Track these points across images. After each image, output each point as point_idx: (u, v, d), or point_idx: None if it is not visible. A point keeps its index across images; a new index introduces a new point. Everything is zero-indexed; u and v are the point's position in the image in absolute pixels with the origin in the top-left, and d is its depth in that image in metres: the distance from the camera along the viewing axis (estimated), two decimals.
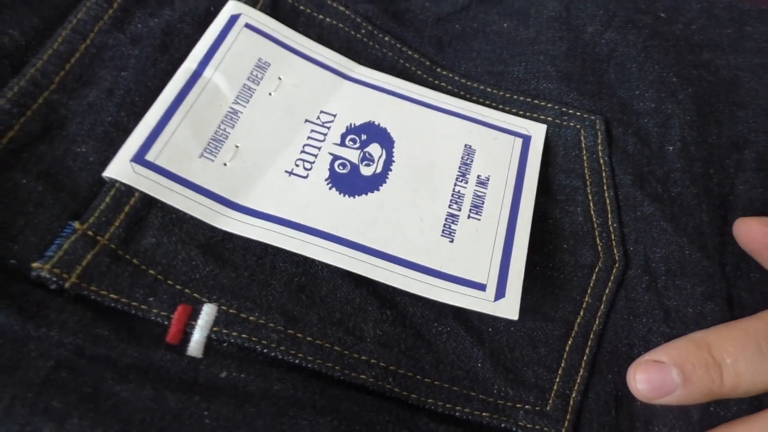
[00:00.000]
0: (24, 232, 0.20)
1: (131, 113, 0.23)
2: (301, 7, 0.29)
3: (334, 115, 0.26)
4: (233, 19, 0.27)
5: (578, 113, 0.29)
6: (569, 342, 0.24)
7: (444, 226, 0.24)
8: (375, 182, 0.25)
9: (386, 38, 0.30)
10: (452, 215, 0.25)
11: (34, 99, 0.22)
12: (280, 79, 0.27)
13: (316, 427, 0.18)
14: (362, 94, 0.28)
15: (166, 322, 0.20)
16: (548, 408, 0.22)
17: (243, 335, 0.20)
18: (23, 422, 0.16)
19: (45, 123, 0.22)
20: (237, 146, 0.24)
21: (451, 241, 0.24)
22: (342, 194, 0.24)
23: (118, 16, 0.25)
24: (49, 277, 0.19)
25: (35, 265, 0.19)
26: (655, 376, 0.22)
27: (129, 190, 0.22)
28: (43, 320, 0.18)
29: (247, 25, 0.27)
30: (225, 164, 0.24)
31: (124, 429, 0.17)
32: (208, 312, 0.20)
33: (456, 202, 0.25)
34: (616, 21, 0.31)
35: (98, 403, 0.17)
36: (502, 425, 0.22)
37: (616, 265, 0.25)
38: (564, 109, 0.29)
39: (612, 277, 0.25)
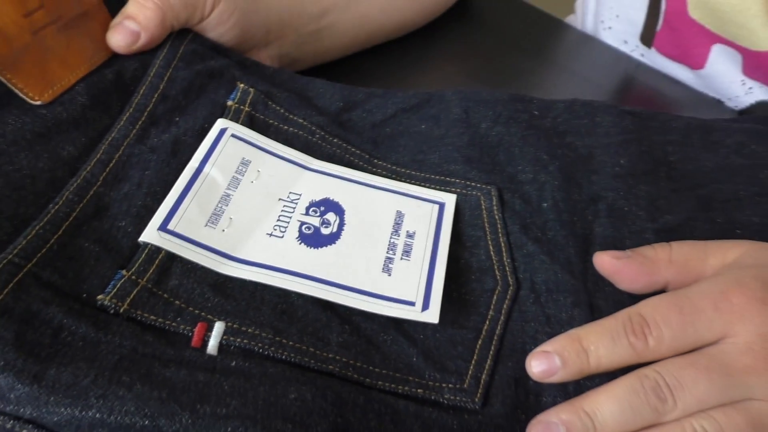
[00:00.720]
0: (90, 277, 0.28)
1: (155, 199, 0.33)
2: (271, 121, 0.40)
3: (300, 194, 0.36)
4: (222, 132, 0.37)
5: (478, 185, 0.39)
6: (479, 342, 0.33)
7: (384, 265, 0.34)
8: (332, 238, 0.34)
9: (335, 140, 0.41)
10: (389, 258, 0.34)
11: (87, 191, 0.31)
12: (258, 171, 0.37)
13: (300, 392, 0.27)
14: (319, 179, 0.38)
15: (190, 334, 0.28)
16: (465, 386, 0.31)
17: (244, 341, 0.29)
18: (104, 388, 0.24)
19: (96, 207, 0.31)
20: (231, 218, 0.34)
21: (389, 275, 0.33)
22: (309, 247, 0.34)
23: (139, 134, 0.35)
24: (109, 305, 0.28)
25: (99, 297, 0.28)
26: (544, 362, 0.31)
27: (158, 249, 0.31)
28: (109, 331, 0.27)
29: (233, 135, 0.37)
30: (223, 230, 0.33)
31: (170, 392, 0.25)
32: (218, 327, 0.29)
33: (391, 249, 0.35)
34: (502, 119, 0.42)
35: (151, 378, 0.25)
36: (432, 398, 0.30)
37: (511, 287, 0.35)
38: (468, 183, 0.39)
39: (508, 296, 0.34)
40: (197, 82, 0.39)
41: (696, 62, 0.58)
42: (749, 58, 0.54)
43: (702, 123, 0.46)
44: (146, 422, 0.24)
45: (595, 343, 0.30)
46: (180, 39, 0.41)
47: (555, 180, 0.39)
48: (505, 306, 0.34)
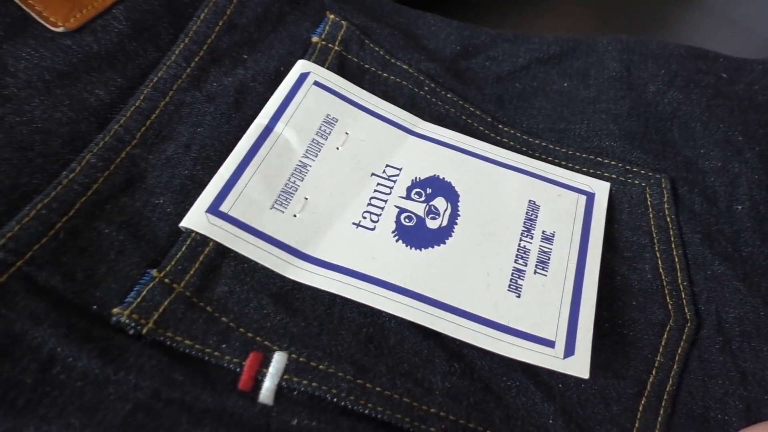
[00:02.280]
0: (106, 279, 0.20)
1: (206, 167, 0.24)
2: (367, 66, 0.30)
3: (400, 169, 0.27)
4: (303, 77, 0.28)
5: (643, 171, 0.29)
6: (642, 401, 0.23)
7: (510, 281, 0.24)
8: (441, 235, 0.25)
9: (449, 95, 0.31)
10: (518, 270, 0.24)
11: (118, 154, 0.23)
12: (347, 134, 0.27)
13: None
14: (426, 148, 0.28)
15: (238, 369, 0.20)
16: None
17: (313, 384, 0.20)
18: None
19: (127, 176, 0.23)
20: (306, 198, 0.25)
21: (518, 296, 0.24)
22: (408, 247, 0.24)
23: (195, 75, 0.27)
24: (128, 323, 0.19)
25: (115, 311, 0.20)
26: None
27: (204, 240, 0.22)
28: (123, 364, 0.18)
29: (316, 83, 0.28)
30: (295, 215, 0.24)
31: None
32: (278, 360, 0.20)
33: (522, 257, 0.25)
34: (678, 81, 0.31)
35: None
36: None
37: (688, 324, 0.25)
38: (628, 167, 0.29)
39: (684, 337, 0.24)
40: (275, 9, 0.30)
41: None
42: None
43: None
44: None
45: None
46: None
47: (754, 172, 0.28)
48: (680, 350, 0.24)
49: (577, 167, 0.29)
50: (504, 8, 0.46)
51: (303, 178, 0.25)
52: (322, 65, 0.29)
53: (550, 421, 0.22)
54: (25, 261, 0.19)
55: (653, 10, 0.49)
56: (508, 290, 0.24)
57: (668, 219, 0.27)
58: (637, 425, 0.22)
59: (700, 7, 0.49)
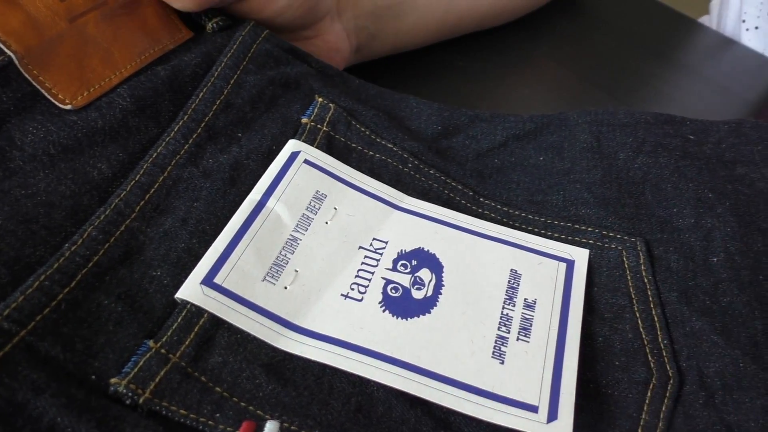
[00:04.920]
0: (104, 350, 0.21)
1: (202, 240, 0.25)
2: (353, 145, 0.32)
3: (386, 242, 0.28)
4: (293, 156, 0.30)
5: (618, 236, 0.30)
6: None
7: (494, 348, 0.25)
8: (426, 305, 0.26)
9: (431, 171, 0.32)
10: (502, 338, 0.25)
11: (117, 227, 0.24)
12: (335, 209, 0.29)
13: None
14: (412, 222, 0.29)
15: None
16: None
17: None
18: None
19: (126, 248, 0.24)
20: (296, 271, 0.26)
21: (502, 363, 0.24)
22: (395, 317, 0.25)
23: (193, 151, 0.28)
24: (125, 393, 0.20)
25: (113, 380, 0.20)
26: None
27: (199, 311, 0.23)
28: None
29: (306, 161, 0.30)
30: (285, 287, 0.25)
31: None
32: (270, 429, 0.21)
33: (505, 325, 0.26)
34: (647, 146, 0.33)
35: None
36: None
37: (671, 381, 0.25)
38: (605, 233, 0.30)
39: (668, 394, 0.25)
40: (268, 92, 0.32)
41: None
42: None
43: None
44: None
45: None
46: (252, 36, 0.34)
47: (726, 225, 0.30)
48: (664, 407, 0.25)
49: (555, 235, 0.30)
50: (487, 69, 0.48)
51: (293, 252, 0.26)
52: (312, 144, 0.31)
53: None
54: (27, 331, 0.20)
55: (631, 67, 0.51)
56: (492, 357, 0.25)
57: (645, 280, 0.28)
58: None
59: (676, 65, 0.52)
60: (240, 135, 0.30)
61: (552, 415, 0.23)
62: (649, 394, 0.25)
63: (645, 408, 0.25)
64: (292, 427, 0.21)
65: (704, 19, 0.68)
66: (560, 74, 0.50)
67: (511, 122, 0.36)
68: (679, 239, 0.30)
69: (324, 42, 0.40)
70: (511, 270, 0.28)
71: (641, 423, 0.25)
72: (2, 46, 0.26)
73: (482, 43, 0.50)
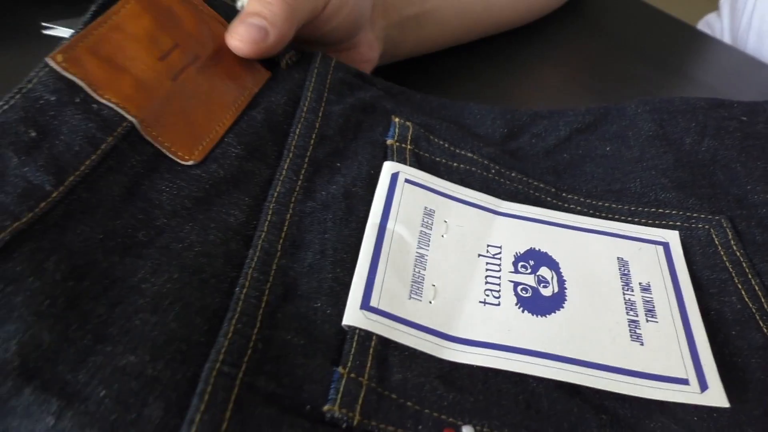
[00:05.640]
0: (306, 381, 0.22)
1: (344, 268, 0.26)
2: (437, 159, 0.34)
3: (500, 247, 0.30)
4: (395, 177, 0.31)
5: (702, 215, 0.32)
6: None
7: (630, 331, 0.27)
8: (557, 301, 0.28)
9: (513, 174, 0.34)
10: (633, 321, 0.27)
11: (270, 266, 0.25)
12: (446, 222, 0.30)
13: None
14: (515, 225, 0.31)
15: None
16: None
17: None
18: None
19: (283, 286, 0.25)
20: (434, 285, 0.27)
21: (642, 344, 0.26)
22: (534, 315, 0.27)
23: (306, 186, 0.29)
24: (340, 417, 0.21)
25: (326, 408, 0.21)
26: None
27: (368, 335, 0.24)
28: None
29: (407, 180, 0.31)
30: (430, 302, 0.27)
31: None
32: None
33: (632, 309, 0.28)
34: (709, 130, 0.35)
35: None
36: None
37: None
38: (688, 214, 0.32)
39: None
40: (353, 119, 0.33)
41: None
42: None
43: None
44: None
45: None
46: (324, 66, 0.35)
47: None
48: None
49: (643, 221, 0.32)
50: (480, 73, 0.50)
51: (425, 268, 0.28)
52: (404, 163, 0.32)
53: None
54: (243, 372, 0.21)
55: (625, 72, 0.53)
56: (631, 340, 0.26)
57: (738, 254, 0.31)
58: None
59: (677, 72, 0.53)
60: (339, 165, 0.31)
61: (703, 385, 0.25)
62: None
63: None
64: (485, 430, 0.23)
65: (711, 17, 0.70)
66: (553, 80, 0.51)
67: (570, 116, 0.38)
68: (757, 214, 0.32)
69: (358, 53, 0.42)
70: (618, 258, 0.30)
71: None
72: (123, 112, 0.27)
73: (477, 48, 0.52)
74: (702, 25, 0.71)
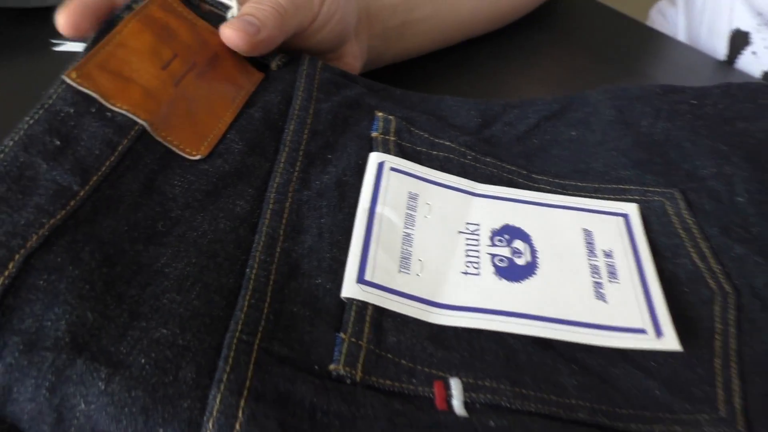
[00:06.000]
0: (314, 345, 0.25)
1: (340, 249, 0.30)
2: (419, 148, 0.37)
3: (478, 224, 0.33)
4: (381, 166, 0.34)
5: (658, 189, 0.36)
6: (716, 361, 0.29)
7: (595, 291, 0.30)
8: (530, 269, 0.31)
9: (488, 159, 0.38)
10: (597, 283, 0.31)
11: (274, 249, 0.28)
12: (428, 204, 0.34)
13: None
14: (490, 204, 0.35)
15: (431, 395, 0.25)
16: (722, 414, 0.27)
17: (488, 396, 0.26)
18: None
19: (287, 266, 0.28)
20: (420, 260, 0.31)
21: (605, 302, 0.30)
22: (510, 281, 0.30)
23: (301, 177, 0.32)
24: (345, 374, 0.25)
25: (332, 367, 0.25)
26: None
27: (364, 305, 0.28)
28: (359, 404, 0.24)
29: (392, 168, 0.34)
30: (418, 275, 0.30)
31: None
32: (455, 384, 0.26)
33: (596, 273, 0.31)
34: (663, 113, 0.39)
35: None
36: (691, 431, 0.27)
37: (730, 295, 0.31)
38: (646, 188, 0.36)
39: (731, 305, 0.31)
40: (340, 115, 0.37)
41: None
42: None
43: None
44: None
45: None
46: (312, 68, 0.38)
47: (743, 171, 0.36)
48: (730, 316, 0.31)
49: (605, 197, 0.36)
50: (450, 72, 0.53)
51: (412, 245, 0.31)
52: (388, 153, 0.35)
53: (657, 392, 0.28)
54: (260, 339, 0.24)
55: (588, 73, 0.56)
56: (596, 299, 0.30)
57: (689, 221, 0.34)
58: (719, 379, 0.29)
59: (634, 71, 0.57)
60: (330, 156, 0.35)
61: (659, 333, 0.29)
62: (716, 308, 0.31)
63: (716, 319, 0.31)
64: (470, 381, 0.26)
65: (662, 4, 0.74)
66: (521, 81, 0.54)
67: (539, 105, 0.41)
68: (706, 187, 0.36)
69: (344, 63, 0.45)
70: (583, 229, 0.34)
71: (717, 331, 0.30)
72: (134, 117, 0.30)
73: (451, 54, 0.55)
74: (655, 12, 0.75)
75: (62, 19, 0.32)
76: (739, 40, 0.60)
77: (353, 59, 0.46)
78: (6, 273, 0.23)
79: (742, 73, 0.58)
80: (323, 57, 0.43)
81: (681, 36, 0.69)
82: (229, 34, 0.35)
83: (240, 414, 0.22)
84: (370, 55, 0.48)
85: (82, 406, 0.21)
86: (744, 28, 0.59)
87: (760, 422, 0.27)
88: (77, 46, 0.34)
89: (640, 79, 0.54)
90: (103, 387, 0.21)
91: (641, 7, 0.77)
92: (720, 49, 0.62)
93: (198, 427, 0.21)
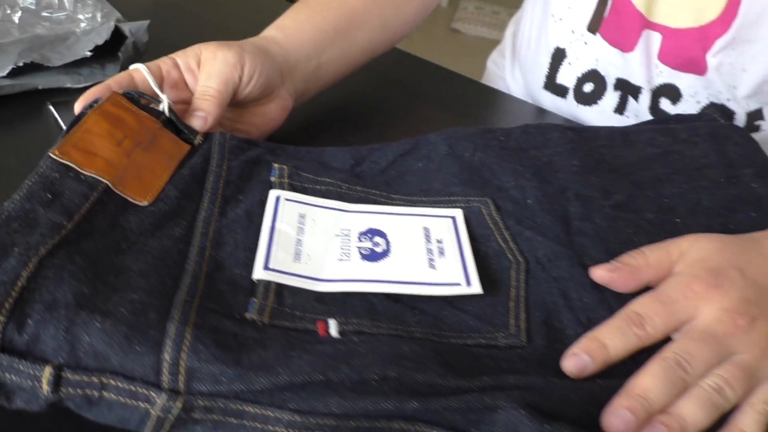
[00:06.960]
0: (234, 304, 0.39)
1: (251, 252, 0.43)
2: (306, 185, 0.51)
3: (350, 230, 0.48)
4: (278, 198, 0.48)
5: (477, 199, 0.51)
6: (511, 304, 0.44)
7: (429, 264, 0.45)
8: (385, 253, 0.46)
9: (358, 188, 0.52)
10: (431, 259, 0.45)
11: (204, 255, 0.42)
12: (314, 220, 0.48)
13: (409, 346, 0.37)
14: (359, 217, 0.49)
15: (316, 329, 0.39)
16: (512, 332, 0.42)
17: (354, 327, 0.39)
18: (283, 361, 0.34)
19: (215, 264, 0.42)
20: (308, 254, 0.44)
21: (435, 269, 0.44)
22: (371, 262, 0.45)
23: (221, 211, 0.46)
24: (257, 319, 0.38)
25: (247, 314, 0.38)
26: (577, 361, 0.39)
27: (269, 282, 0.41)
28: (267, 333, 0.37)
29: (286, 199, 0.49)
30: (307, 263, 0.44)
31: (327, 357, 0.35)
32: (333, 323, 0.39)
33: (430, 253, 0.46)
34: (480, 147, 0.55)
35: (310, 351, 0.35)
36: (492, 344, 0.41)
37: (522, 263, 0.46)
38: (468, 198, 0.51)
39: (522, 269, 0.46)
40: (246, 168, 0.51)
41: (627, 46, 0.73)
42: (668, 38, 0.68)
43: (620, 129, 0.61)
44: (319, 377, 0.34)
45: (610, 338, 0.39)
46: (223, 139, 0.52)
47: (532, 182, 0.52)
48: (522, 277, 0.46)
49: (442, 206, 0.51)
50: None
51: (302, 246, 0.45)
52: (285, 189, 0.50)
53: (471, 323, 0.42)
54: (198, 299, 0.37)
55: (433, 122, 0.74)
56: (429, 267, 0.45)
57: (496, 218, 0.50)
58: (512, 313, 0.43)
59: (464, 116, 0.76)
60: (240, 197, 0.48)
61: (469, 284, 0.43)
62: (512, 272, 0.46)
63: (512, 278, 0.46)
64: (342, 320, 0.40)
65: (495, 54, 0.95)
66: (393, 132, 0.71)
67: (395, 146, 0.57)
68: (508, 195, 0.52)
69: (277, 104, 0.62)
70: (424, 227, 0.49)
71: (512, 285, 0.45)
72: (100, 178, 0.43)
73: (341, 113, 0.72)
74: (490, 63, 0.95)
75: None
76: (558, 55, 0.78)
77: (284, 100, 0.63)
78: (29, 268, 0.35)
79: (545, 114, 0.77)
80: (258, 102, 0.60)
81: (508, 75, 0.89)
82: (194, 122, 0.53)
83: (187, 335, 0.34)
84: (297, 93, 0.65)
85: (87, 338, 0.33)
86: (561, 45, 0.78)
87: (537, 336, 0.42)
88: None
89: (471, 122, 0.73)
90: (99, 326, 0.34)
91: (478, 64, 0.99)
92: (544, 64, 0.80)
93: (161, 346, 0.34)
